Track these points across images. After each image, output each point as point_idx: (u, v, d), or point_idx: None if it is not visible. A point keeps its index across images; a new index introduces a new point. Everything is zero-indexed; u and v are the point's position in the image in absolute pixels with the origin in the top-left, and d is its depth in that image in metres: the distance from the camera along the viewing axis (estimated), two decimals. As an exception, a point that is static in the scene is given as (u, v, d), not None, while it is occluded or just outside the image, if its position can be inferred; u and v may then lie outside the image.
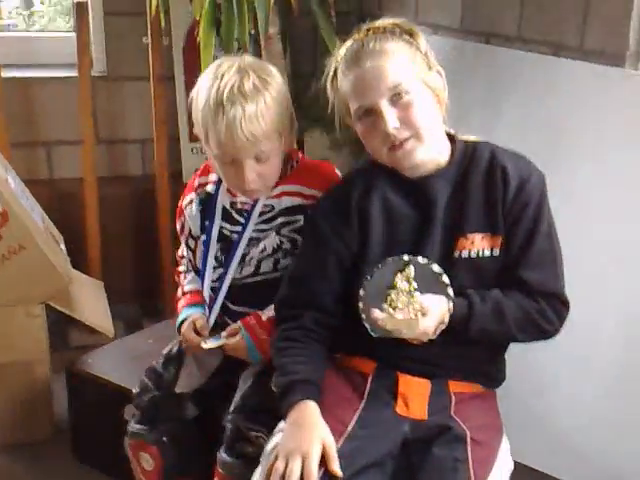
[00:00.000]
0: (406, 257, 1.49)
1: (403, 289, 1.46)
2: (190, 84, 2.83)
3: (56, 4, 3.18)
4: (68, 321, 2.47)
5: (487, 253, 1.54)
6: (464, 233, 1.53)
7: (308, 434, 1.44)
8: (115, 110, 2.94)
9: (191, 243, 1.88)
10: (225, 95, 1.63)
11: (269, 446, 1.56)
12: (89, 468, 2.28)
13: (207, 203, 1.82)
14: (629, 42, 1.96)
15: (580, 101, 2.06)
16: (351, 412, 1.55)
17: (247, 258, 1.78)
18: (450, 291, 1.49)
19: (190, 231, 1.86)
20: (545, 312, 1.54)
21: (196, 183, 1.86)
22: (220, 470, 1.70)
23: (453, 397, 1.57)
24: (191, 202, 1.85)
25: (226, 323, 1.83)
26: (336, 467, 1.41)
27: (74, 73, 2.77)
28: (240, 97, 1.62)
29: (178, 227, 1.90)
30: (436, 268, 1.49)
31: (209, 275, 1.81)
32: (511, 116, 2.21)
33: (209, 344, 1.79)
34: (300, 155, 1.83)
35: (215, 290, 1.82)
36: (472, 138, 1.62)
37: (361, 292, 1.50)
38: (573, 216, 1.91)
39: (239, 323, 1.76)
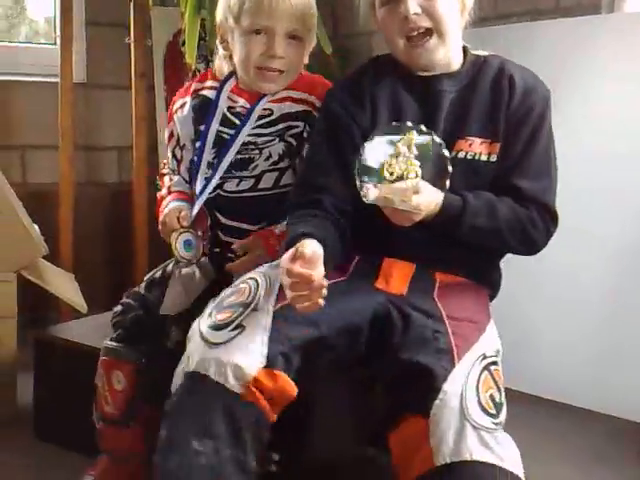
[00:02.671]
0: (409, 123, 1.46)
1: (403, 154, 1.42)
2: (170, 91, 2.96)
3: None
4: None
5: (484, 158, 1.53)
6: (463, 135, 1.53)
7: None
8: (93, 117, 2.93)
9: (177, 152, 1.82)
10: None
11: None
12: (53, 447, 2.09)
13: (203, 108, 1.76)
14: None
15: (559, 54, 2.12)
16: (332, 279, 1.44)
17: (251, 166, 1.71)
18: (449, 167, 1.44)
19: (178, 139, 1.81)
20: (535, 220, 1.51)
21: (192, 88, 1.81)
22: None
23: (437, 282, 1.53)
24: (183, 106, 1.80)
25: (218, 239, 1.76)
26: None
27: (52, 79, 2.78)
28: None
29: (166, 134, 1.85)
30: (445, 152, 1.44)
31: (201, 181, 1.74)
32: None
33: (176, 247, 1.73)
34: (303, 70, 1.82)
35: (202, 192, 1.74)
36: (484, 52, 1.63)
37: (361, 152, 1.45)
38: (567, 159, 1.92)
39: (252, 238, 1.67)
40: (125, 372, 1.72)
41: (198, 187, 1.74)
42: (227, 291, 1.46)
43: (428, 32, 1.51)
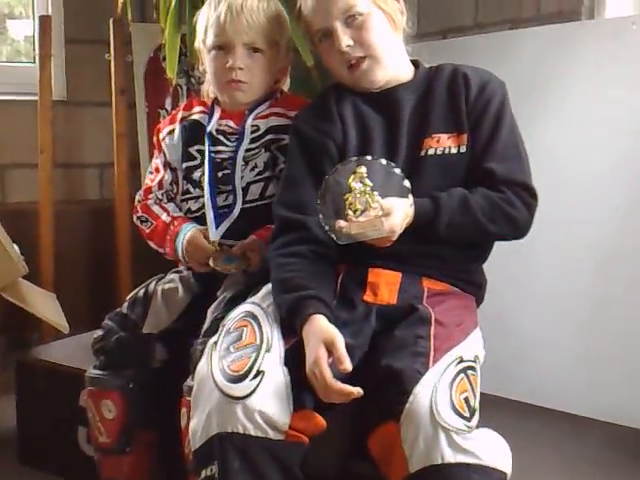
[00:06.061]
0: (354, 158, 1.47)
1: (359, 190, 1.41)
2: (151, 107, 2.94)
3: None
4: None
5: (454, 150, 1.56)
6: (429, 134, 1.56)
7: (313, 345, 1.37)
8: (74, 134, 2.90)
9: (173, 176, 1.82)
10: None
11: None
12: (36, 471, 2.07)
13: (195, 130, 1.79)
14: (583, -3, 2.06)
15: (540, 61, 2.12)
16: None
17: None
18: (406, 183, 1.44)
19: (170, 165, 1.82)
20: (511, 200, 1.52)
21: (179, 116, 1.84)
22: (188, 398, 1.52)
23: (426, 290, 1.53)
24: (171, 132, 1.82)
25: None
26: (343, 366, 1.33)
27: (32, 97, 2.75)
28: None
29: (158, 163, 1.84)
30: (397, 171, 1.44)
31: (210, 200, 1.73)
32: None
33: (219, 265, 1.69)
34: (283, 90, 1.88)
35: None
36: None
37: (319, 202, 1.44)
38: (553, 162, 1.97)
39: (253, 237, 1.69)
40: (114, 400, 1.69)
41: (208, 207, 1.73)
42: (228, 332, 1.42)
43: (363, 58, 1.57)
